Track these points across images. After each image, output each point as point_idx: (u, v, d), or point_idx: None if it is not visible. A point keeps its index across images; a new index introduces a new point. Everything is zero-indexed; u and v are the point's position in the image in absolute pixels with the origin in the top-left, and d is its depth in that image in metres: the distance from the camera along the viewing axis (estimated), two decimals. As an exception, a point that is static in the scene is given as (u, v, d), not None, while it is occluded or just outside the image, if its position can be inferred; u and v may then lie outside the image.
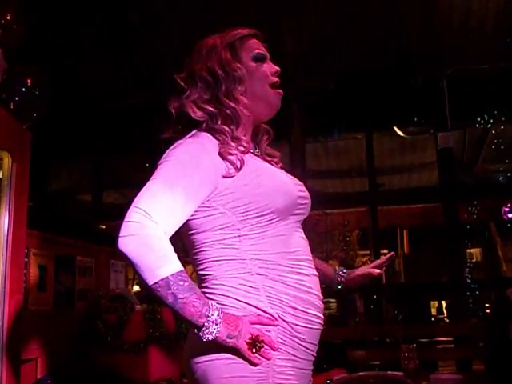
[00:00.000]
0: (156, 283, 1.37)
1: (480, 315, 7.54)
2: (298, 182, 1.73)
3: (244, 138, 1.63)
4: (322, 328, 1.61)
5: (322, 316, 1.61)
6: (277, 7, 4.85)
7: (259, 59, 1.74)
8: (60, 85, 3.96)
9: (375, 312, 8.50)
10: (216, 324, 1.40)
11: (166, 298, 1.38)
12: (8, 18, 3.47)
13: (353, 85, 6.04)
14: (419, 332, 5.73)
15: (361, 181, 8.32)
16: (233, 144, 1.59)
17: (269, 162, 1.77)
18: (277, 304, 1.52)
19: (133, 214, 1.41)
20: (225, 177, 1.55)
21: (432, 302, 11.76)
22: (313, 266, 1.64)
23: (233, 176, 1.55)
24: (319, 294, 1.63)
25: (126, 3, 4.79)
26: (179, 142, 1.59)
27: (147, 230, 1.40)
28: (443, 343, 6.41)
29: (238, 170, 1.56)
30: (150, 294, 1.41)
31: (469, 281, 7.20)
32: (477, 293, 7.13)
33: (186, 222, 1.55)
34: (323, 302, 1.63)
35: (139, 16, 4.95)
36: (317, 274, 1.65)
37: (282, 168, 1.80)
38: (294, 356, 1.52)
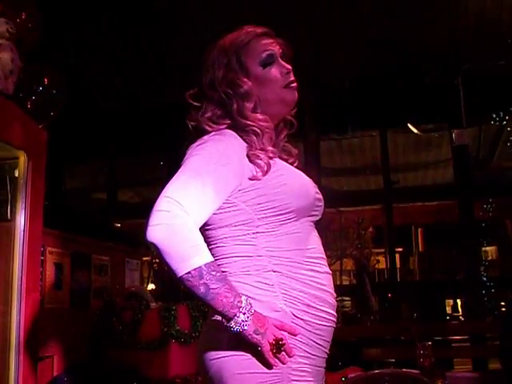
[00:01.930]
0: (188, 273, 1.35)
1: (496, 313, 7.49)
2: (313, 183, 1.72)
3: (270, 148, 1.62)
4: (335, 325, 1.60)
5: (335, 313, 1.60)
6: (291, 5, 4.84)
7: (267, 63, 1.68)
8: (75, 84, 3.97)
9: (390, 310, 8.48)
10: (247, 317, 1.38)
11: (198, 288, 1.36)
12: (23, 17, 3.49)
13: (367, 82, 6.02)
14: (434, 330, 5.69)
15: (375, 179, 8.30)
16: (260, 150, 1.59)
17: (285, 160, 1.75)
18: (292, 302, 1.52)
19: (164, 204, 1.39)
20: (251, 179, 1.55)
21: (447, 301, 11.72)
22: (326, 264, 1.64)
23: (259, 179, 1.55)
24: (332, 291, 1.62)
25: (139, 3, 4.81)
26: (206, 137, 1.58)
27: (179, 220, 1.38)
28: (459, 341, 6.39)
29: (265, 173, 1.56)
30: (181, 284, 1.38)
31: (484, 279, 7.16)
32: (492, 291, 7.10)
33: None
34: (337, 300, 1.64)
35: (153, 16, 4.96)
36: (330, 271, 1.64)
37: (298, 167, 1.77)
38: (309, 353, 1.52)
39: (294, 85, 1.71)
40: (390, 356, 5.55)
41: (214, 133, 1.60)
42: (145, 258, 6.72)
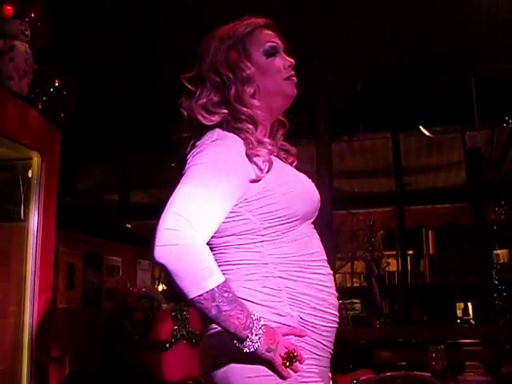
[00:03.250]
0: (200, 295, 1.31)
1: (507, 317, 7.44)
2: (312, 183, 1.71)
3: (267, 140, 1.59)
4: (337, 326, 1.61)
5: (337, 314, 1.61)
6: (303, 5, 4.83)
7: (271, 53, 1.67)
8: (88, 84, 3.99)
9: (400, 313, 8.45)
10: (259, 337, 1.37)
11: (210, 310, 1.33)
12: (32, 15, 3.50)
13: (380, 84, 6.00)
14: (445, 333, 5.68)
15: (387, 181, 8.27)
16: (257, 145, 1.55)
17: (285, 159, 1.75)
18: (298, 305, 1.52)
19: (171, 221, 1.33)
20: (253, 181, 1.52)
21: (458, 304, 11.66)
22: (328, 265, 1.64)
23: (261, 179, 1.52)
24: (335, 292, 1.62)
25: (153, 2, 4.81)
26: (205, 143, 1.53)
27: (190, 240, 1.33)
28: (470, 345, 6.35)
29: (267, 171, 1.54)
30: (191, 305, 1.36)
31: (496, 282, 7.12)
32: (504, 294, 7.05)
33: None
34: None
35: (167, 16, 4.97)
36: (332, 272, 1.64)
37: (296, 166, 1.77)
38: (316, 354, 1.53)
39: (295, 79, 1.70)
40: (401, 359, 5.53)
41: (214, 137, 1.55)
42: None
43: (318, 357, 1.53)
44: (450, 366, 3.75)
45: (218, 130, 1.57)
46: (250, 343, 1.37)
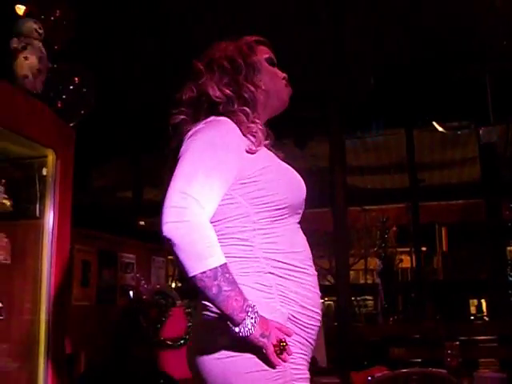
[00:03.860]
0: (204, 273, 1.36)
1: (522, 314, 7.40)
2: (299, 176, 1.77)
3: (259, 121, 1.69)
4: (320, 324, 1.67)
5: (320, 312, 1.67)
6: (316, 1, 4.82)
7: (271, 63, 1.84)
8: (101, 83, 4.00)
9: (413, 310, 8.44)
10: (254, 322, 1.41)
11: (210, 288, 1.37)
12: (57, 15, 3.52)
13: (393, 80, 5.97)
14: (459, 330, 5.66)
15: (400, 177, 8.24)
16: (251, 123, 1.65)
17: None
18: (288, 303, 1.56)
19: (178, 199, 1.39)
20: (247, 152, 1.59)
21: (471, 301, 11.62)
22: (313, 266, 1.69)
23: (255, 152, 1.60)
24: (319, 292, 1.68)
25: (169, 2, 4.82)
26: (201, 126, 1.62)
27: (198, 218, 1.39)
28: (485, 342, 6.33)
29: (259, 144, 1.62)
30: (191, 284, 1.39)
31: (510, 279, 7.09)
32: (518, 291, 7.02)
33: None
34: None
35: (182, 17, 4.97)
36: (316, 273, 1.69)
37: None
38: (304, 350, 1.61)
39: (290, 89, 1.86)
40: (416, 356, 5.51)
41: (209, 120, 1.64)
42: (170, 256, 6.77)
43: (304, 351, 1.61)
44: (464, 362, 3.75)
45: (212, 117, 1.66)
46: (246, 326, 1.40)
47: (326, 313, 14.83)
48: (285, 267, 1.58)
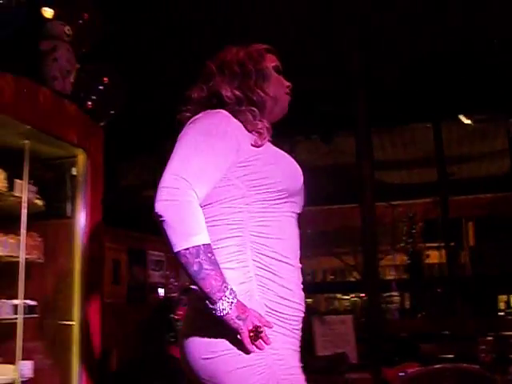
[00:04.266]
0: (187, 249, 1.41)
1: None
2: (297, 166, 1.79)
3: (265, 121, 1.73)
4: (303, 315, 1.67)
5: (303, 304, 1.67)
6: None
7: (278, 71, 1.86)
8: (128, 82, 4.02)
9: (441, 305, 8.37)
10: (231, 302, 1.44)
11: (192, 265, 1.42)
12: (85, 18, 3.56)
13: (420, 72, 5.90)
14: (490, 325, 5.59)
15: (428, 171, 8.16)
16: (256, 121, 1.69)
17: None
18: (266, 293, 1.58)
19: (172, 181, 1.47)
20: (253, 145, 1.63)
21: (500, 296, 11.49)
22: (298, 258, 1.70)
23: (260, 145, 1.64)
24: (301, 284, 1.68)
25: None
26: (200, 115, 1.67)
27: (188, 197, 1.46)
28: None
29: (264, 139, 1.66)
30: (176, 259, 1.44)
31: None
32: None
33: None
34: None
35: (211, 15, 4.97)
36: (300, 265, 1.70)
37: None
38: (288, 340, 1.60)
39: (289, 98, 1.88)
40: (447, 351, 5.46)
41: (208, 110, 1.68)
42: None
43: (285, 340, 1.59)
44: (496, 358, 3.71)
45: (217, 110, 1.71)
46: (222, 306, 1.43)
47: (353, 309, 14.77)
48: (269, 255, 1.60)
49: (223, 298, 1.43)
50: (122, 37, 4.86)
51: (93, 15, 3.70)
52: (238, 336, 1.48)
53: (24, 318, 3.20)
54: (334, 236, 13.48)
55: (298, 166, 1.76)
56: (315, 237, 12.64)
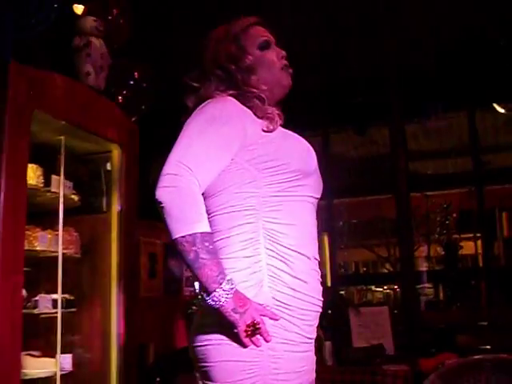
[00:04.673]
0: (183, 237, 1.39)
1: None
2: (310, 147, 1.74)
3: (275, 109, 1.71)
4: (320, 310, 1.61)
5: (321, 298, 1.61)
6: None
7: (264, 47, 1.77)
8: (163, 78, 4.04)
9: (476, 296, 8.27)
10: (227, 294, 1.41)
11: (189, 253, 1.40)
12: (114, 13, 3.57)
13: (454, 61, 5.82)
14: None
15: (462, 161, 8.05)
16: (265, 106, 1.67)
17: None
18: (276, 285, 1.52)
19: (173, 167, 1.44)
20: (264, 131, 1.61)
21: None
22: (316, 249, 1.65)
23: (272, 130, 1.61)
24: (319, 276, 1.63)
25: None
26: (209, 100, 1.63)
27: (187, 184, 1.43)
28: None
29: (277, 124, 1.64)
30: (176, 247, 1.42)
31: None
32: None
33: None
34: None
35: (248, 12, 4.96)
36: (318, 258, 1.64)
37: None
38: (289, 340, 1.52)
39: (290, 70, 1.80)
40: (484, 342, 5.40)
41: (213, 98, 1.65)
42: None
43: (289, 341, 1.51)
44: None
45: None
46: (217, 297, 1.40)
47: (386, 301, 14.67)
48: (282, 244, 1.55)
49: (218, 289, 1.40)
50: (154, 32, 4.87)
51: (123, 10, 3.72)
52: (235, 330, 1.44)
53: (62, 312, 3.24)
54: (367, 227, 13.38)
55: (310, 147, 1.72)
56: (347, 228, 12.59)
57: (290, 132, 1.71)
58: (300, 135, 1.73)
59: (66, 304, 3.29)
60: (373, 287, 16.44)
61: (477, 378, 3.02)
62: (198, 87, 1.72)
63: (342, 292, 9.27)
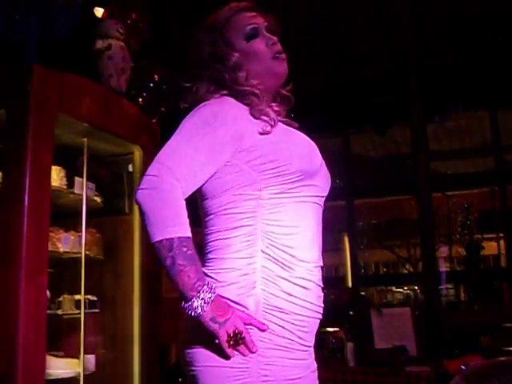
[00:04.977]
0: (160, 241, 1.33)
1: None
2: (319, 156, 1.65)
3: (273, 104, 1.64)
4: (320, 317, 1.54)
5: (321, 304, 1.54)
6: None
7: (251, 36, 1.66)
8: (179, 80, 4.05)
9: (499, 297, 8.20)
10: (204, 303, 1.35)
11: (165, 259, 1.33)
12: (133, 17, 3.60)
13: (475, 59, 5.77)
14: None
15: (484, 160, 7.97)
16: (263, 104, 1.58)
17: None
18: (269, 287, 1.45)
19: (154, 169, 1.39)
20: (261, 133, 1.52)
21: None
22: (318, 253, 1.57)
23: (269, 132, 1.52)
24: (320, 282, 1.55)
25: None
26: (204, 102, 1.55)
27: (167, 186, 1.37)
28: None
29: (274, 125, 1.54)
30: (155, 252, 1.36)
31: None
32: None
33: (205, 186, 1.51)
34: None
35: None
36: (321, 263, 1.57)
37: None
38: (281, 346, 1.45)
39: (283, 55, 1.67)
40: (508, 344, 5.35)
41: (210, 100, 1.58)
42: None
43: (283, 348, 1.45)
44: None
45: (219, 96, 1.62)
46: (194, 305, 1.34)
47: (406, 302, 14.58)
48: (280, 247, 1.48)
49: (195, 297, 1.34)
50: (172, 35, 4.89)
51: (141, 15, 3.75)
52: (216, 340, 1.37)
53: (86, 313, 3.26)
54: (387, 228, 13.30)
55: (312, 144, 1.64)
56: (367, 229, 12.53)
57: (291, 129, 1.64)
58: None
59: (89, 305, 3.31)
60: (393, 288, 16.36)
61: (502, 379, 2.99)
62: (191, 87, 1.65)
63: (363, 293, 9.25)
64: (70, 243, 3.23)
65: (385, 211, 11.62)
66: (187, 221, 1.39)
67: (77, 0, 3.28)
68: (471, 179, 7.97)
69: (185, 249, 1.35)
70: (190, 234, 1.37)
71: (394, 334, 4.49)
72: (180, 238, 1.34)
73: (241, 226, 1.49)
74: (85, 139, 3.32)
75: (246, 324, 1.40)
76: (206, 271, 1.46)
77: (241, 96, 1.59)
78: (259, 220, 1.49)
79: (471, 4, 5.00)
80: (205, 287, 1.36)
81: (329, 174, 1.66)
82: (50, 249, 2.94)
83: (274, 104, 1.64)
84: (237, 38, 1.65)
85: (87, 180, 3.34)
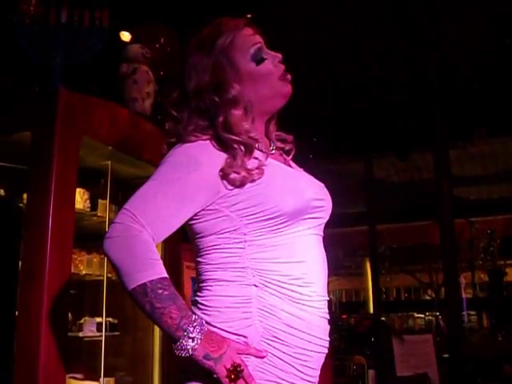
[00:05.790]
0: (134, 289, 1.28)
1: None
2: (317, 182, 1.58)
3: (256, 160, 1.47)
4: (325, 351, 1.46)
5: (326, 338, 1.46)
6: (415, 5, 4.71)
7: (260, 58, 1.55)
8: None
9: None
10: (193, 341, 1.28)
11: (144, 305, 1.29)
12: (162, 41, 3.64)
13: (497, 84, 5.75)
14: None
15: (507, 186, 7.92)
16: (240, 166, 1.44)
17: (282, 148, 1.66)
18: (268, 319, 1.39)
19: (120, 216, 1.34)
20: (227, 189, 1.42)
21: None
22: (321, 282, 1.49)
23: (255, 181, 1.42)
24: (325, 314, 1.47)
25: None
26: (183, 143, 1.45)
27: (131, 233, 1.32)
28: None
29: (258, 173, 1.43)
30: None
31: None
32: None
33: (191, 226, 1.46)
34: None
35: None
36: (325, 295, 1.49)
37: (293, 158, 1.66)
38: (282, 379, 1.38)
39: (288, 77, 1.57)
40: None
41: (186, 143, 1.46)
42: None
43: (284, 381, 1.38)
44: None
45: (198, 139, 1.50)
46: (182, 345, 1.28)
47: (428, 328, 14.41)
48: (275, 280, 1.40)
49: (182, 337, 1.28)
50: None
51: (168, 39, 3.79)
52: (214, 375, 1.30)
53: (106, 336, 3.26)
54: (409, 253, 13.22)
55: (304, 175, 1.58)
56: (389, 254, 12.44)
57: (276, 163, 1.53)
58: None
59: (110, 327, 3.31)
60: (414, 314, 16.21)
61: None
62: (178, 118, 1.52)
63: (383, 318, 9.17)
64: (92, 266, 3.25)
65: (407, 236, 11.55)
66: (159, 261, 1.34)
67: (103, 24, 3.33)
68: (494, 205, 7.92)
69: (160, 291, 1.29)
70: (163, 274, 1.32)
71: (416, 361, 4.43)
72: (152, 281, 1.29)
73: (231, 264, 1.43)
74: (109, 162, 3.34)
75: (243, 354, 1.35)
76: (197, 299, 1.43)
77: (225, 144, 1.46)
78: (248, 260, 1.42)
79: (496, 31, 5.01)
80: (191, 324, 1.30)
81: (329, 197, 1.58)
82: (72, 271, 2.95)
83: (259, 154, 1.51)
84: (243, 61, 1.54)
85: (110, 202, 3.36)
